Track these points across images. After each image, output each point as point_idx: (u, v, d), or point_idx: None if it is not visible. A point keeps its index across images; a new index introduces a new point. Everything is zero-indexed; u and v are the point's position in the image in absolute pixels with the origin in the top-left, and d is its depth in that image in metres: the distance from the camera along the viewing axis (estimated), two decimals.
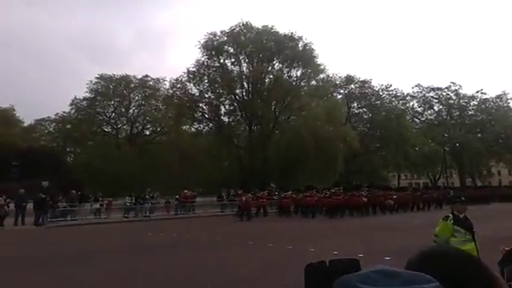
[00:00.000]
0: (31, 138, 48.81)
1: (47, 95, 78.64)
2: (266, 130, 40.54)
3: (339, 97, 48.47)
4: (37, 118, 50.57)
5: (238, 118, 42.85)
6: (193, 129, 44.91)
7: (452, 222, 5.39)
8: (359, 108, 50.85)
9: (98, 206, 25.15)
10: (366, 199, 25.18)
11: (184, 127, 44.73)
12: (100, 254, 11.99)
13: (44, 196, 22.17)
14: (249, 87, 41.04)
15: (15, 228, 19.84)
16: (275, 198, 29.21)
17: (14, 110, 49.72)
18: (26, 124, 51.15)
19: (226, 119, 43.30)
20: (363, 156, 47.49)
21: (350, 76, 49.05)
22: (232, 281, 7.89)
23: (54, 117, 48.81)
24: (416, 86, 53.07)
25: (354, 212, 24.11)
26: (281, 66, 41.14)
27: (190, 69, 41.01)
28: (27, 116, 53.94)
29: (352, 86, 49.44)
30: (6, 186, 25.27)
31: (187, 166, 38.26)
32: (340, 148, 41.61)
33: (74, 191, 24.57)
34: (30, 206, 21.65)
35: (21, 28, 79.72)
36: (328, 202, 24.67)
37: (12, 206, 21.21)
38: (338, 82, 48.29)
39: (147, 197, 27.63)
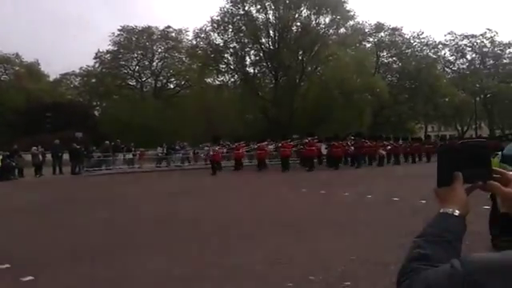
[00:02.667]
0: (58, 93, 48.99)
1: (70, 49, 78.38)
2: (293, 81, 39.65)
3: (368, 45, 46.76)
4: (62, 73, 50.59)
5: (264, 69, 41.92)
6: (217, 81, 44.28)
7: (499, 159, 5.09)
8: (389, 57, 48.91)
9: (130, 156, 25.32)
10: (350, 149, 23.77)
11: (208, 80, 44.16)
12: (138, 196, 12.07)
13: (78, 147, 22.34)
14: (275, 36, 39.82)
15: (54, 176, 20.17)
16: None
17: (39, 65, 49.72)
18: (51, 79, 51.28)
19: (251, 70, 42.43)
20: (391, 107, 46.38)
21: (380, 23, 46.88)
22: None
23: (78, 71, 48.64)
24: (449, 33, 50.57)
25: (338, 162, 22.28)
26: (308, 12, 39.51)
27: (214, 17, 39.87)
28: (52, 71, 54.12)
29: (382, 33, 47.33)
30: (41, 138, 25.49)
31: (212, 119, 38.00)
32: (368, 99, 40.73)
33: (107, 142, 24.70)
34: (65, 156, 21.89)
35: None
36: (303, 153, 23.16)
37: (49, 156, 21.50)
38: (367, 30, 46.28)
39: (177, 147, 27.84)
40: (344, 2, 39.54)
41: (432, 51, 49.50)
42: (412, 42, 48.09)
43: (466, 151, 0.98)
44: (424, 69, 45.20)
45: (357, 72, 38.58)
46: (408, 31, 49.19)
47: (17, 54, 48.42)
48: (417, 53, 47.93)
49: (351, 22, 41.97)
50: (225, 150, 24.88)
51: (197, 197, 11.98)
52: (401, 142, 27.53)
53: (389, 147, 25.74)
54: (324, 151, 23.42)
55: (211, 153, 21.75)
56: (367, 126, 40.67)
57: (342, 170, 21.42)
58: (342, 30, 41.67)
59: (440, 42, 50.28)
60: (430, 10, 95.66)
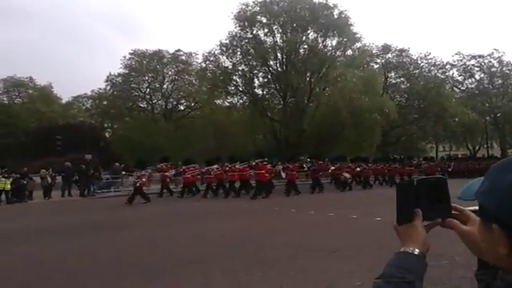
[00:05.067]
0: (69, 115, 50.06)
1: (82, 72, 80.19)
2: (301, 102, 39.90)
3: (376, 66, 47.08)
4: (74, 95, 51.68)
5: (272, 90, 42.25)
6: (226, 102, 44.70)
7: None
8: (397, 78, 49.23)
9: None
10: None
11: (217, 101, 44.64)
12: (144, 220, 12.19)
13: (85, 168, 22.64)
14: (283, 58, 40.24)
15: (62, 199, 20.41)
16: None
17: (51, 88, 50.93)
18: (63, 101, 52.37)
19: (259, 92, 42.80)
20: (401, 127, 46.38)
21: (387, 45, 47.46)
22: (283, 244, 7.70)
23: (90, 93, 49.64)
24: (456, 53, 50.97)
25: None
26: (315, 35, 40.01)
27: (223, 41, 40.57)
28: (64, 93, 55.34)
29: (389, 54, 47.81)
30: (51, 160, 25.93)
31: (222, 140, 38.30)
32: (377, 119, 40.77)
33: (117, 163, 25.03)
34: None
35: (55, 7, 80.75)
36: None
37: (59, 178, 21.84)
38: (374, 51, 46.83)
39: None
40: (350, 24, 40.00)
41: (440, 71, 49.71)
42: (419, 62, 48.41)
43: (426, 187, 0.98)
44: (432, 89, 45.32)
45: (365, 92, 38.71)
46: (415, 52, 49.63)
47: (30, 78, 49.83)
48: (425, 73, 48.15)
49: (358, 44, 42.35)
50: (173, 173, 23.36)
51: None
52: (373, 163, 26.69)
53: (358, 169, 24.55)
54: (283, 175, 22.58)
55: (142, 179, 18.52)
56: (377, 147, 40.73)
57: (300, 195, 19.54)
58: (349, 52, 42.01)
59: (448, 63, 50.62)
60: (436, 32, 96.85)
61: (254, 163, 20.27)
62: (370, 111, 39.17)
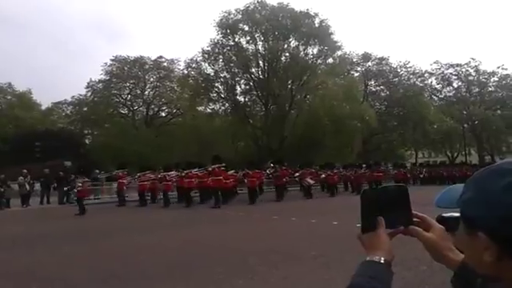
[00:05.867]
0: (49, 121, 49.29)
1: (63, 78, 79.23)
2: (283, 109, 40.20)
3: (356, 74, 47.74)
4: (54, 101, 50.93)
5: (254, 97, 42.51)
6: (208, 109, 44.74)
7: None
8: (377, 86, 50.00)
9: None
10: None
11: (199, 108, 44.64)
12: (125, 230, 12.06)
13: (63, 175, 22.29)
14: (264, 66, 40.55)
15: (41, 206, 20.04)
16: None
17: (31, 94, 50.12)
18: (43, 107, 51.59)
19: (241, 99, 43.08)
20: (381, 134, 47.02)
21: (368, 53, 48.21)
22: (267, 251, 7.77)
23: (70, 99, 48.99)
24: (435, 62, 51.95)
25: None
26: (297, 43, 40.44)
27: (205, 48, 40.67)
28: (44, 99, 54.54)
29: (369, 63, 48.56)
30: (30, 167, 25.47)
31: (203, 147, 38.19)
32: (357, 127, 41.28)
33: (97, 171, 24.71)
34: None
35: (36, 12, 79.80)
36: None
37: (37, 185, 21.47)
38: (355, 60, 47.53)
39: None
40: (331, 33, 40.58)
41: (419, 80, 50.66)
42: (399, 70, 49.26)
43: (387, 195, 1.01)
44: (412, 97, 46.10)
45: (345, 100, 39.22)
46: (395, 60, 50.41)
47: (9, 84, 48.95)
48: (404, 81, 49.00)
49: (339, 52, 43.01)
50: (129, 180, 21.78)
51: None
52: (341, 169, 26.72)
53: (322, 176, 24.25)
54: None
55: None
56: (357, 153, 41.20)
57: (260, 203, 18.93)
58: (330, 60, 42.63)
59: (426, 71, 51.62)
60: (415, 40, 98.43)
61: (210, 169, 18.94)
62: (351, 118, 39.63)
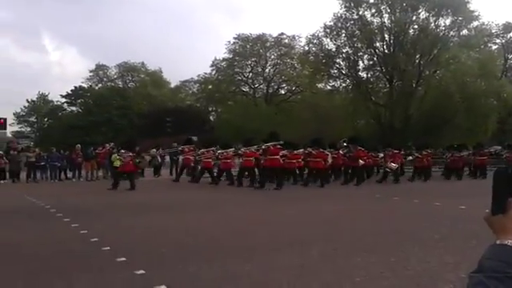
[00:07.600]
0: (178, 99, 53.05)
1: (190, 57, 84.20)
2: (409, 86, 38.01)
3: (495, 47, 43.02)
4: (181, 80, 54.55)
5: (378, 73, 40.78)
6: (328, 86, 44.10)
7: None
8: None
9: None
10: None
11: (319, 85, 44.24)
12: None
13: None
14: (390, 40, 38.53)
15: (170, 177, 21.14)
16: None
17: (161, 72, 54.35)
18: (172, 85, 55.59)
19: (364, 75, 41.49)
20: None
21: (510, 23, 42.93)
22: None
23: (196, 78, 51.99)
24: None
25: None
26: (427, 14, 37.50)
27: (327, 23, 39.77)
28: (172, 78, 58.71)
29: (511, 34, 43.45)
30: (162, 141, 27.63)
31: (322, 124, 37.89)
32: (493, 105, 37.61)
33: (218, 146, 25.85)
34: None
35: None
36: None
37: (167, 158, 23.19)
38: (493, 31, 42.57)
39: None
40: (467, 1, 36.90)
41: None
42: None
43: None
44: None
45: (481, 76, 35.78)
46: None
47: (142, 63, 53.55)
48: None
49: (475, 23, 38.97)
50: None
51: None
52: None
53: (410, 158, 20.84)
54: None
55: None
56: (492, 134, 37.58)
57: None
58: (465, 32, 38.89)
59: None
60: None
61: (264, 147, 16.56)
62: (486, 96, 36.24)
